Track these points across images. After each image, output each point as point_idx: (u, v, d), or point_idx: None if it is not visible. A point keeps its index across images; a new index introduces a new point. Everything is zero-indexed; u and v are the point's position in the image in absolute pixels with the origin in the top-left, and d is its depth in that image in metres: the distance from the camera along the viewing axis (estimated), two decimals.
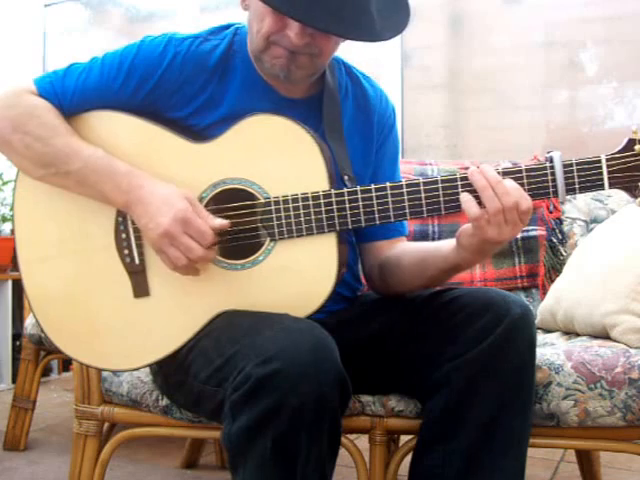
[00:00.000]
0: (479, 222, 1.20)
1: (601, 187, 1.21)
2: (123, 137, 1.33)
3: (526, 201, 1.20)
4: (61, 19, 4.15)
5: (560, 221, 2.04)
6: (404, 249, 1.43)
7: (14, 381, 3.05)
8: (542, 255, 2.02)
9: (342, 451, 1.21)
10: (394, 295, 1.45)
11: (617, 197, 2.02)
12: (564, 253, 1.98)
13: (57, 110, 1.33)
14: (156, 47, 1.34)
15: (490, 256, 1.30)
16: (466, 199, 1.21)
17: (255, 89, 1.38)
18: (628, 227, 1.74)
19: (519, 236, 2.03)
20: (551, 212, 2.05)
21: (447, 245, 1.31)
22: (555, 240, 2.01)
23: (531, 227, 2.04)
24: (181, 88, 1.34)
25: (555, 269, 1.98)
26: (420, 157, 2.67)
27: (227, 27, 1.42)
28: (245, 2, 1.34)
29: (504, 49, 3.18)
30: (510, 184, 1.20)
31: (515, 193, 1.19)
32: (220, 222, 1.25)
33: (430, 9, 3.31)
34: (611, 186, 1.21)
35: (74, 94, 1.33)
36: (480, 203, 1.20)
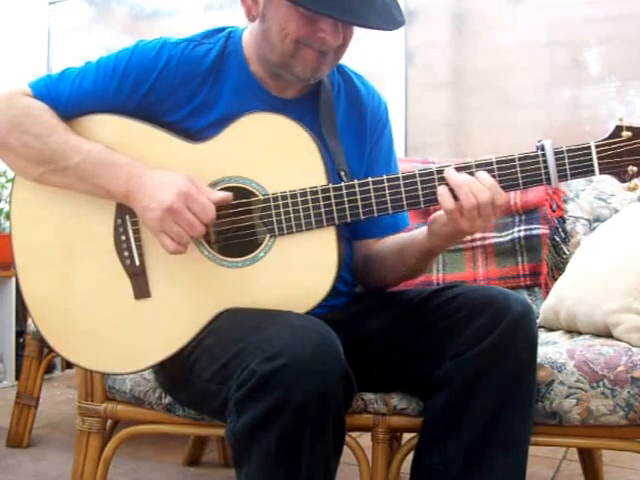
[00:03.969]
0: (453, 215, 1.22)
1: (592, 173, 1.23)
2: (121, 139, 1.33)
3: (501, 197, 1.22)
4: (65, 17, 4.14)
5: (563, 220, 2.03)
6: (385, 242, 1.46)
7: (17, 378, 3.05)
8: (545, 254, 2.01)
9: (344, 449, 1.21)
10: (379, 288, 1.47)
11: (620, 196, 2.01)
12: (567, 252, 1.98)
13: (53, 111, 1.33)
14: (150, 51, 1.35)
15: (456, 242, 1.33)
16: (442, 192, 1.23)
17: (249, 91, 1.38)
18: (631, 226, 1.74)
19: (522, 235, 2.03)
20: (554, 211, 2.04)
21: (420, 233, 1.34)
22: (558, 239, 2.01)
23: (534, 226, 2.04)
24: (176, 91, 1.35)
25: (558, 268, 1.98)
26: (423, 155, 2.67)
27: (221, 30, 1.42)
28: (253, 12, 1.33)
29: (508, 48, 3.18)
30: (485, 179, 1.22)
31: (491, 189, 1.21)
32: (222, 195, 1.26)
33: (434, 8, 3.31)
34: (601, 172, 1.23)
35: (69, 97, 1.34)
36: (456, 197, 1.22)
